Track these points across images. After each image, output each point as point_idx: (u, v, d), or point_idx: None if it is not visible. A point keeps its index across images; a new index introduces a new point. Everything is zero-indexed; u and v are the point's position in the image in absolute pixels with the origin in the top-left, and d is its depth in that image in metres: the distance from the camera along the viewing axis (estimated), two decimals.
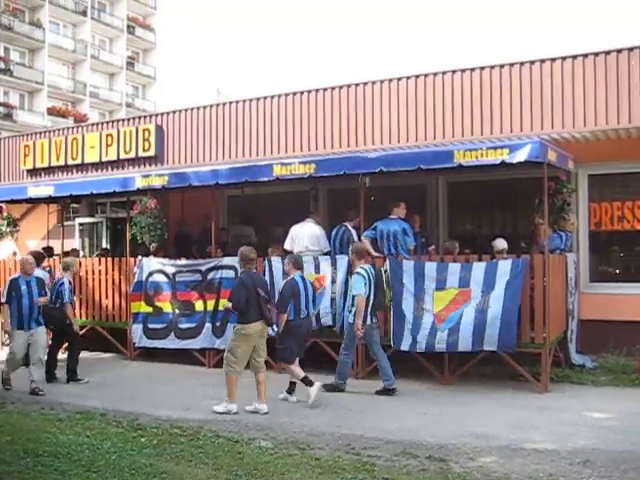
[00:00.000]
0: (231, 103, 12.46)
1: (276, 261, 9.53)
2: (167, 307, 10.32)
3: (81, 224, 15.55)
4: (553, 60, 9.64)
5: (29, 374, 8.49)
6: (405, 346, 8.45)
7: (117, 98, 44.76)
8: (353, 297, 8.04)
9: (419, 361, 8.61)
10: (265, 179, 9.29)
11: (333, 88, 10.68)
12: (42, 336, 8.70)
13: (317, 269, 9.20)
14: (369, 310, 8.01)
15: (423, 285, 8.41)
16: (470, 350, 8.04)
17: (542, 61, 9.79)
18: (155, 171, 10.66)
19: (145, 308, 10.47)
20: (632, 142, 10.04)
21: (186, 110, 13.04)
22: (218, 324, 9.87)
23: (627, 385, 8.26)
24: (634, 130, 9.57)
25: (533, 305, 8.06)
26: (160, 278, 10.39)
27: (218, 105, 12.66)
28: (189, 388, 8.73)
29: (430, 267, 8.44)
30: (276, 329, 9.27)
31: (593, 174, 10.51)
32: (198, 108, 12.91)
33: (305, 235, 9.42)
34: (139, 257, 10.64)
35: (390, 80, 10.37)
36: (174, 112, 13.10)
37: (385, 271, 8.53)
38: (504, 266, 8.06)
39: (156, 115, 13.39)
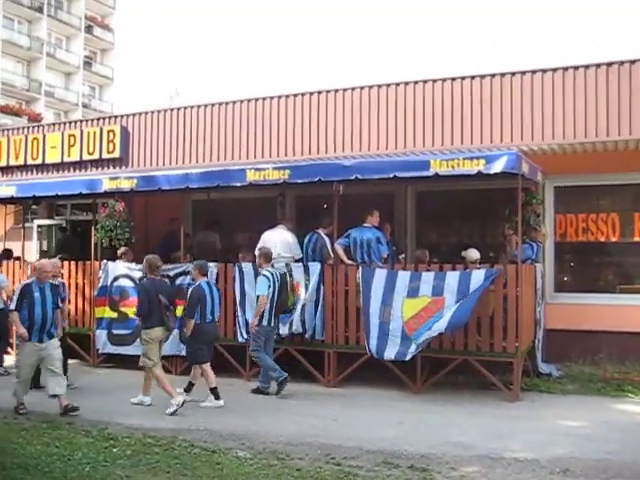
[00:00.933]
0: (200, 107, 12.29)
1: (246, 267, 9.41)
2: (133, 313, 10.04)
3: (40, 226, 15.08)
4: (523, 73, 9.83)
5: (49, 389, 7.48)
6: (373, 352, 8.41)
7: (73, 98, 43.85)
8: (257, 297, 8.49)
9: (390, 369, 8.60)
10: (238, 184, 9.18)
11: (311, 93, 10.63)
12: (57, 350, 7.62)
13: (289, 275, 9.11)
14: (272, 312, 8.43)
15: (393, 293, 8.41)
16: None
17: (512, 74, 9.95)
18: (123, 174, 10.42)
19: (110, 313, 10.20)
20: (598, 156, 10.30)
21: (152, 112, 12.81)
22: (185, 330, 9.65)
23: (594, 394, 8.40)
24: (600, 144, 9.81)
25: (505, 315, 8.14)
26: (126, 283, 10.13)
27: (186, 108, 12.47)
28: (156, 396, 8.48)
29: (403, 276, 8.45)
30: (245, 336, 9.26)
31: (559, 186, 10.74)
32: (166, 110, 12.73)
33: (277, 241, 9.33)
34: (104, 261, 10.37)
35: (370, 87, 10.38)
36: (140, 114, 12.85)
37: (290, 275, 8.87)
38: (477, 276, 8.12)
39: (121, 116, 13.10)
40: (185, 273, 9.78)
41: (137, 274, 10.05)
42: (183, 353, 9.63)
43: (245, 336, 9.31)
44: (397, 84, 10.20)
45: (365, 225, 8.99)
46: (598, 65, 9.44)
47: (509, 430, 6.72)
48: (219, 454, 6.02)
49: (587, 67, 9.59)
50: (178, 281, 9.79)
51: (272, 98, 11.26)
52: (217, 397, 7.94)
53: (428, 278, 8.28)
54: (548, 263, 10.53)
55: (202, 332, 8.03)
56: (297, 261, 9.31)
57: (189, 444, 6.32)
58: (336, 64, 52.07)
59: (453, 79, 10.28)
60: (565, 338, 9.99)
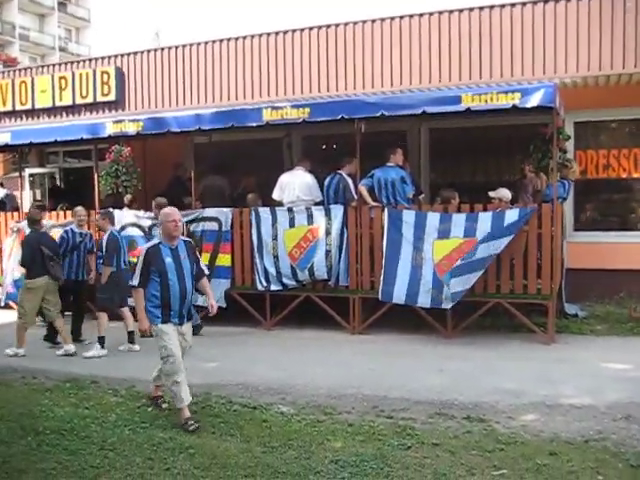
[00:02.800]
0: (199, 44, 11.66)
1: (264, 212, 8.98)
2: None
3: (31, 175, 14.43)
4: (546, 2, 9.23)
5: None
6: (399, 299, 8.12)
7: (49, 41, 42.14)
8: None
9: (419, 314, 8.32)
10: (254, 124, 8.64)
11: (320, 27, 10.04)
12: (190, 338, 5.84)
13: (310, 220, 8.71)
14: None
15: (423, 235, 8.06)
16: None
17: (534, 3, 9.41)
18: (127, 116, 9.80)
19: None
20: (619, 89, 9.86)
21: (149, 51, 12.16)
22: None
23: (627, 334, 8.20)
24: (625, 76, 9.36)
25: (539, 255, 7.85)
26: (134, 232, 9.66)
27: (185, 46, 11.79)
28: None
29: (432, 217, 8.08)
30: (265, 284, 8.92)
31: (579, 121, 10.32)
32: (162, 49, 12.07)
33: (296, 184, 8.87)
34: (110, 209, 9.84)
35: (382, 20, 9.78)
36: (136, 53, 12.18)
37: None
38: (511, 215, 7.77)
39: (115, 56, 12.37)
40: (200, 219, 9.33)
41: (146, 222, 9.59)
42: (198, 303, 9.24)
43: (264, 284, 8.97)
44: (410, 16, 9.58)
45: (389, 164, 8.55)
46: None
47: (555, 374, 6.49)
48: (261, 410, 5.72)
49: None
50: (191, 228, 9.35)
51: (277, 33, 10.69)
52: (132, 341, 8.14)
53: (459, 220, 7.93)
54: (567, 201, 10.22)
55: (117, 279, 8.15)
56: (317, 204, 8.88)
57: (226, 400, 6.02)
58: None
59: (471, 9, 9.70)
60: (585, 277, 9.74)
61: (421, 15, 9.60)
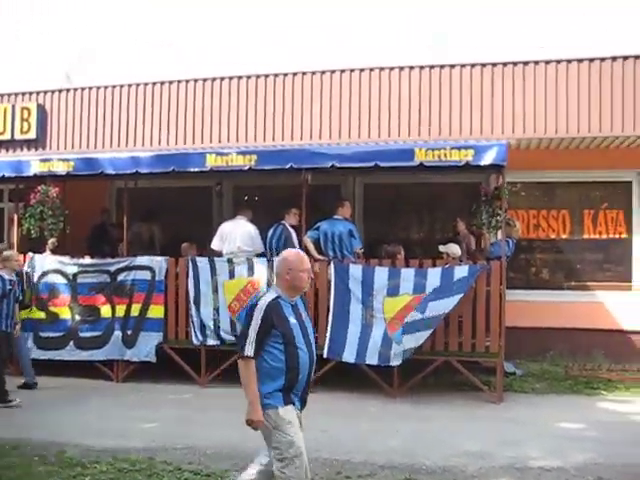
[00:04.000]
0: (130, 85, 11.10)
1: (202, 262, 8.51)
2: (65, 313, 8.86)
3: None
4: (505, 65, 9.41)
5: None
6: (349, 357, 7.85)
7: None
8: None
9: (361, 371, 8.05)
10: (196, 169, 8.25)
11: (267, 76, 9.75)
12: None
13: (250, 271, 8.33)
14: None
15: (372, 291, 7.86)
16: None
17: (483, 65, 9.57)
18: (55, 155, 9.16)
19: (37, 314, 8.92)
20: (549, 153, 10.22)
21: (76, 90, 11.49)
22: (129, 332, 8.64)
23: (568, 392, 8.25)
24: (549, 140, 9.64)
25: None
26: (57, 279, 8.91)
27: (115, 87, 11.19)
28: (105, 408, 7.44)
29: (381, 273, 7.91)
30: (201, 338, 8.42)
31: (511, 182, 10.59)
32: (91, 88, 11.39)
33: (238, 234, 8.50)
34: (30, 254, 9.08)
35: (332, 72, 9.60)
36: (61, 91, 11.49)
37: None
38: (461, 272, 7.73)
39: (37, 93, 11.62)
40: (129, 269, 8.72)
41: (71, 269, 8.86)
42: (126, 357, 8.66)
43: (200, 338, 8.43)
44: (361, 70, 9.47)
45: (336, 217, 8.37)
46: (569, 61, 9.27)
47: (514, 435, 6.34)
48: (215, 478, 5.20)
49: (547, 62, 9.46)
50: (120, 277, 8.72)
51: (214, 80, 10.32)
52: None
53: (408, 275, 7.79)
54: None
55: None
56: (259, 255, 8.53)
57: (175, 467, 5.45)
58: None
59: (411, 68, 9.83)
60: (514, 335, 9.86)
61: (372, 70, 9.53)
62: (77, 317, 8.82)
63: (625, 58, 8.99)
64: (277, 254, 8.34)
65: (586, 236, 10.59)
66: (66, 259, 8.94)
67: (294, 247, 8.25)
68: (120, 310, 8.70)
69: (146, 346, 8.56)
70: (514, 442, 6.12)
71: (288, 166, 7.87)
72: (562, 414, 7.17)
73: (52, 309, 8.91)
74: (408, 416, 7.09)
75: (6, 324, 7.59)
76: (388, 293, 7.79)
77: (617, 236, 10.48)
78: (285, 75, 9.50)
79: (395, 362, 7.62)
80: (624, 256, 10.45)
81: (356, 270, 7.95)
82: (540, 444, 6.06)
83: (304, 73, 9.35)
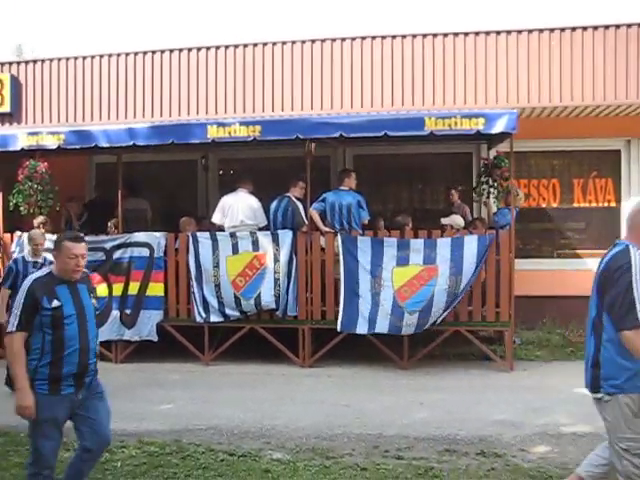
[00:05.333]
0: (111, 56, 10.60)
1: (203, 237, 8.25)
2: None
3: None
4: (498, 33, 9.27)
5: None
6: (361, 329, 7.76)
7: None
8: None
9: (365, 344, 7.98)
10: (197, 141, 7.95)
11: (274, 43, 9.33)
12: None
13: (255, 246, 8.11)
14: None
15: (381, 262, 7.76)
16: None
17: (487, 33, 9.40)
18: (45, 128, 8.70)
19: None
20: (540, 121, 10.20)
21: (51, 60, 10.93)
22: (128, 312, 8.35)
23: (570, 358, 8.34)
24: (541, 109, 9.61)
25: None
26: (50, 258, 8.50)
27: (94, 57, 10.65)
28: (114, 391, 7.06)
29: (390, 243, 7.80)
30: (204, 315, 8.21)
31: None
32: (68, 59, 10.87)
33: (240, 207, 8.25)
34: (17, 232, 8.66)
35: (335, 40, 9.34)
36: (36, 62, 10.94)
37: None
38: (470, 242, 7.68)
39: (10, 64, 11.04)
40: (125, 245, 8.41)
41: None
42: (125, 337, 8.39)
43: (203, 315, 8.21)
44: (373, 37, 9.12)
45: (342, 188, 8.19)
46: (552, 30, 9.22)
47: (537, 403, 6.36)
48: (253, 459, 5.04)
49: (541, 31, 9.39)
50: (117, 255, 8.40)
51: (209, 48, 9.93)
52: None
53: (418, 246, 7.70)
54: None
55: None
56: (261, 229, 8.32)
57: (206, 448, 5.27)
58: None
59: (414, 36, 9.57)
60: None
61: (383, 37, 9.26)
62: None
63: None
64: (282, 227, 8.21)
65: (576, 205, 10.69)
66: (56, 237, 8.52)
67: (302, 220, 8.11)
68: (117, 289, 8.39)
69: (147, 325, 8.29)
70: (540, 410, 6.15)
71: (294, 137, 7.65)
72: (576, 380, 7.16)
73: None
74: (425, 388, 7.06)
75: None
76: (398, 263, 7.70)
77: (606, 204, 10.60)
78: (293, 43, 9.15)
79: (406, 331, 7.57)
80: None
81: (364, 242, 7.82)
82: (566, 411, 6.08)
83: (313, 41, 9.04)
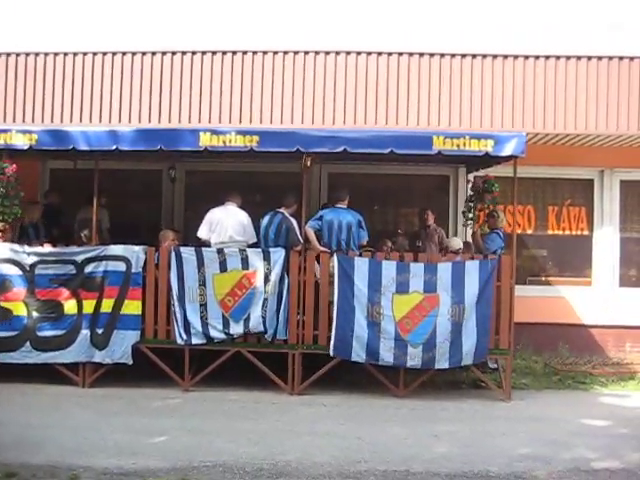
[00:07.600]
0: (76, 54, 9.86)
1: (187, 252, 7.67)
2: (19, 309, 7.65)
3: None
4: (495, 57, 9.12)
5: None
6: (358, 357, 7.38)
7: None
8: None
9: (362, 370, 7.62)
10: (188, 149, 7.40)
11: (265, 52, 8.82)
12: None
13: (245, 264, 7.59)
14: None
15: (379, 287, 7.42)
16: (447, 367, 7.34)
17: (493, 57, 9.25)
18: (15, 126, 7.90)
19: None
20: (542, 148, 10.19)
21: (8, 55, 10.03)
22: (100, 331, 7.62)
23: (561, 388, 8.25)
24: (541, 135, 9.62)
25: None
26: (9, 270, 7.66)
27: (67, 54, 9.79)
28: (94, 420, 6.43)
29: (388, 266, 7.47)
30: (185, 337, 7.62)
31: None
32: (27, 54, 9.99)
33: (230, 223, 7.73)
34: None
35: (339, 53, 8.94)
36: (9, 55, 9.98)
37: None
38: (471, 267, 7.46)
39: None
40: (99, 259, 7.70)
41: (27, 259, 7.69)
42: (96, 359, 7.66)
43: (184, 337, 7.60)
44: (379, 53, 8.82)
45: (339, 206, 7.83)
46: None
47: (552, 435, 6.14)
48: None
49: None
50: (89, 269, 7.67)
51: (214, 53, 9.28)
52: None
53: (418, 271, 7.40)
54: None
55: None
56: (251, 246, 7.83)
57: None
58: None
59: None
60: None
61: (390, 54, 8.93)
62: (35, 314, 7.66)
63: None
64: (274, 245, 7.74)
65: (550, 232, 10.74)
66: (19, 247, 7.74)
67: (296, 238, 7.67)
68: (88, 306, 7.66)
69: (121, 346, 7.60)
70: (559, 443, 5.93)
71: (295, 149, 7.23)
72: (577, 410, 7.10)
73: (4, 305, 7.70)
74: (431, 418, 6.73)
75: None
76: (397, 290, 7.37)
77: (579, 232, 10.70)
78: (295, 53, 8.72)
79: (411, 364, 7.28)
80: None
81: (362, 263, 7.46)
82: (585, 444, 5.88)
83: (317, 52, 8.64)
